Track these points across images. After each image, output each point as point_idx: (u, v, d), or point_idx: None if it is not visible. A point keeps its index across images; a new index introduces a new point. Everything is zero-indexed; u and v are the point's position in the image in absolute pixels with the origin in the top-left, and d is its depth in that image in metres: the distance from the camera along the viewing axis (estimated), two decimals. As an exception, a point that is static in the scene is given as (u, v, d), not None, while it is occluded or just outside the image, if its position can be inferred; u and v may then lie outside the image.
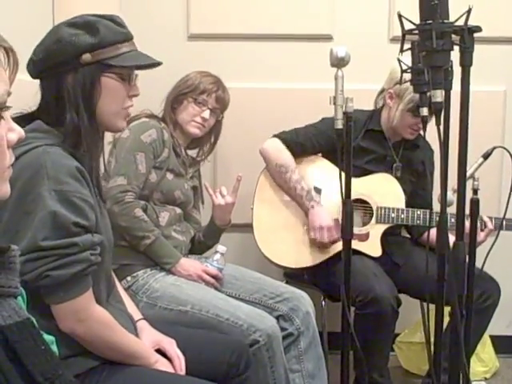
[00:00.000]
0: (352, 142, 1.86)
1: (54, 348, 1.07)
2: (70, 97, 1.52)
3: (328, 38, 2.94)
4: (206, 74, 2.48)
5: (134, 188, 2.20)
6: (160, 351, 1.70)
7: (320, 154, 2.70)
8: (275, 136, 2.65)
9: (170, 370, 1.66)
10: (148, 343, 1.70)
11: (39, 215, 1.39)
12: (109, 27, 1.54)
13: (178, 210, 2.39)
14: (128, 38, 1.58)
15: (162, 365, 1.65)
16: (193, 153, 2.58)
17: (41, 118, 1.54)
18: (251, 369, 1.91)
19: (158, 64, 1.66)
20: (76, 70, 1.52)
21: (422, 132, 1.77)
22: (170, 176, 2.34)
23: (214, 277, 2.27)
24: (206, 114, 2.43)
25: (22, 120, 1.49)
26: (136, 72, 1.64)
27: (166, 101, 2.48)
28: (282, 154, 2.63)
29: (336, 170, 2.52)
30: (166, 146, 2.32)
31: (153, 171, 2.28)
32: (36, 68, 1.54)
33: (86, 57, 1.51)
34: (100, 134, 1.63)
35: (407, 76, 1.71)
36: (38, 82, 1.58)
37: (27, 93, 1.54)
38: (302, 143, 2.63)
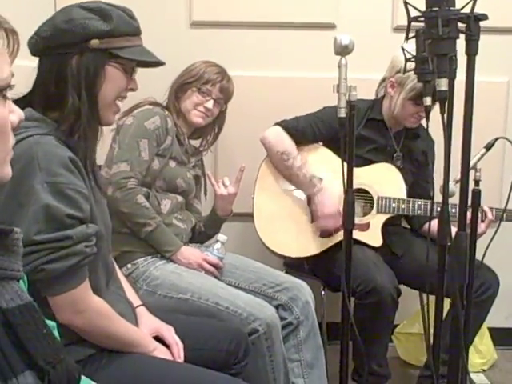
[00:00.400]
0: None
1: (56, 333, 1.07)
2: (74, 79, 1.49)
3: (331, 26, 2.92)
4: (210, 64, 2.47)
5: (136, 174, 2.19)
6: (158, 338, 1.70)
7: (321, 144, 2.70)
8: (276, 124, 2.64)
9: (168, 357, 1.66)
10: (146, 330, 1.70)
11: (32, 208, 1.38)
12: (122, 18, 1.53)
13: (180, 199, 2.39)
14: (138, 32, 1.58)
15: (161, 352, 1.65)
16: (196, 143, 2.58)
17: (33, 101, 1.51)
18: (250, 357, 1.92)
19: (161, 64, 1.66)
20: (82, 53, 1.50)
21: (424, 122, 1.76)
22: (172, 164, 2.34)
23: (214, 265, 2.27)
24: (210, 103, 2.42)
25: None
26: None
27: (170, 89, 2.47)
28: (283, 141, 2.62)
29: (337, 159, 2.53)
30: (169, 134, 2.31)
31: (155, 158, 2.28)
32: (40, 44, 1.51)
33: (95, 42, 1.49)
34: (99, 123, 1.60)
35: (410, 65, 1.70)
36: (29, 66, 1.53)
37: (20, 78, 1.52)
38: (302, 130, 2.62)
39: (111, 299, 1.59)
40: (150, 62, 1.61)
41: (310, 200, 2.63)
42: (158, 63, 1.63)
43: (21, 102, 1.49)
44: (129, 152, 2.21)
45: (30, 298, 0.94)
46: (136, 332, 1.64)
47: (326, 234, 2.58)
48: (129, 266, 2.18)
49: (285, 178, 2.66)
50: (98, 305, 1.52)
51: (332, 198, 2.54)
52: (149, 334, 1.70)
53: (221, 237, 2.33)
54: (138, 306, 1.76)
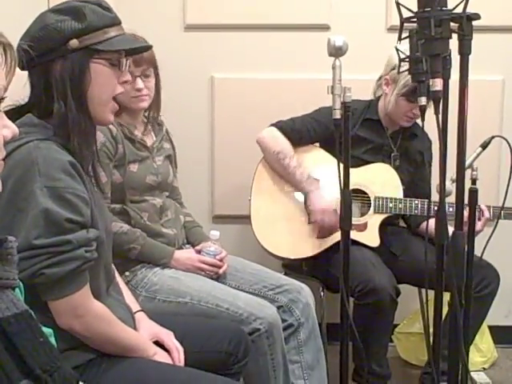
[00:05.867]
0: (350, 132, 1.85)
1: (53, 340, 1.06)
2: (58, 85, 1.48)
3: (325, 27, 2.92)
4: None
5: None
6: (158, 343, 1.70)
7: (318, 145, 2.70)
8: (272, 125, 2.64)
9: (168, 361, 1.66)
10: (146, 335, 1.70)
11: (32, 213, 1.38)
12: (95, 11, 1.50)
13: (158, 200, 2.25)
14: (116, 22, 1.54)
15: (161, 357, 1.65)
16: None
17: (32, 110, 1.52)
18: (251, 355, 1.92)
19: (148, 48, 1.65)
20: (64, 56, 1.48)
21: (420, 121, 1.77)
22: (134, 167, 2.19)
23: (212, 265, 2.25)
24: (139, 83, 2.18)
25: (14, 113, 1.47)
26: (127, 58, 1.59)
27: None
28: (279, 141, 2.62)
29: (334, 160, 2.52)
30: (118, 142, 2.15)
31: (115, 172, 2.15)
32: (23, 58, 1.47)
33: (74, 42, 1.47)
34: (93, 123, 1.58)
35: (404, 65, 1.69)
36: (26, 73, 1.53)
37: (19, 85, 1.51)
38: (298, 131, 2.62)
39: (111, 304, 1.58)
40: (135, 49, 1.59)
41: (306, 199, 2.63)
42: (144, 48, 1.60)
43: (20, 110, 1.50)
44: None
45: (25, 307, 0.93)
46: (136, 337, 1.64)
47: (323, 234, 2.57)
48: (127, 273, 2.14)
49: (281, 177, 2.65)
50: (98, 309, 1.52)
51: (328, 196, 2.54)
52: (148, 338, 1.69)
53: (213, 235, 2.29)
54: (136, 312, 1.76)
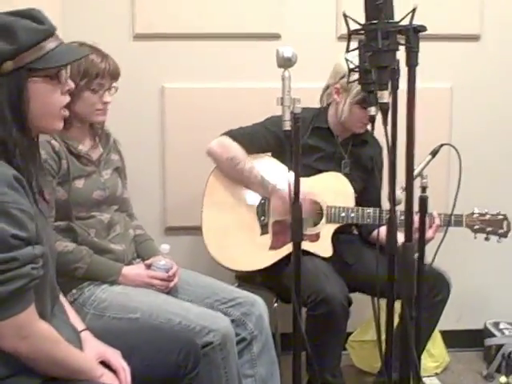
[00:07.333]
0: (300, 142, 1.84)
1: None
2: None
3: (276, 36, 2.91)
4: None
5: None
6: (104, 363, 1.66)
7: (269, 154, 2.68)
8: (222, 134, 2.62)
9: (115, 383, 1.61)
10: (92, 355, 1.65)
11: None
12: (27, 28, 1.44)
13: (105, 216, 2.21)
14: (50, 32, 1.48)
15: (108, 378, 1.61)
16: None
17: None
18: (204, 369, 1.91)
19: (85, 55, 1.67)
20: None
21: (370, 128, 1.78)
22: (79, 184, 2.14)
23: (163, 279, 2.21)
24: (107, 97, 2.16)
25: None
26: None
27: None
28: (230, 147, 2.59)
29: (285, 169, 2.51)
30: (61, 158, 2.08)
31: (59, 189, 2.09)
32: None
33: (8, 65, 1.42)
34: (35, 140, 1.54)
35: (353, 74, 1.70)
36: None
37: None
38: (249, 136, 2.61)
39: (56, 325, 1.54)
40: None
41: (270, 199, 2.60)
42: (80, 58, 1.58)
43: None
44: None
45: None
46: (83, 358, 1.60)
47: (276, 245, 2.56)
48: (74, 291, 2.09)
49: (235, 186, 2.63)
50: (43, 330, 1.47)
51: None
52: (95, 359, 1.65)
53: (163, 248, 2.26)
54: (82, 331, 1.71)
